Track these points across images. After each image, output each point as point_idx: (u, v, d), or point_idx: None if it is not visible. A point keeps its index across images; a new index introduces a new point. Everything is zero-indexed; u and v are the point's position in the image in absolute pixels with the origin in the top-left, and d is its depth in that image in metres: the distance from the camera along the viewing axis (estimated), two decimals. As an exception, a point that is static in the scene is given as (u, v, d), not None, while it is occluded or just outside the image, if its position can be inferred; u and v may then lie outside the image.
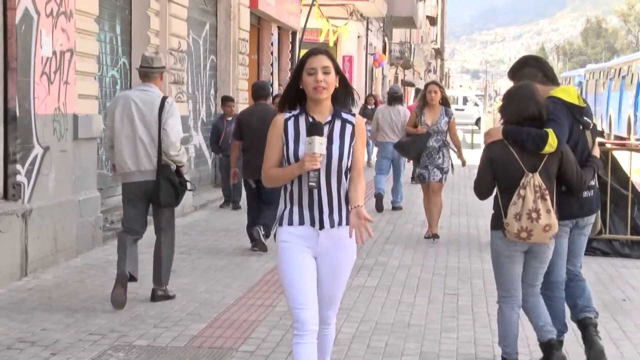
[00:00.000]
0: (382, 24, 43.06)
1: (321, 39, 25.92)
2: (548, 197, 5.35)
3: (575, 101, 5.64)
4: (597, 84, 42.25)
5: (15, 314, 7.09)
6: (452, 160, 11.44)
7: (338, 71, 4.52)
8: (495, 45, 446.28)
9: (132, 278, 7.50)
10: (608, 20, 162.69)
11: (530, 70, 5.80)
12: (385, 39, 44.00)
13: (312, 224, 4.50)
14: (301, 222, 4.50)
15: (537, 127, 5.41)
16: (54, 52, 9.14)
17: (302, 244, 4.50)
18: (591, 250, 10.50)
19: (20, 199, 8.51)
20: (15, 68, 8.36)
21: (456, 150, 11.41)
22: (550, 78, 5.80)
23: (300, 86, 4.51)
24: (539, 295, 5.67)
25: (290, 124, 4.50)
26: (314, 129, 4.39)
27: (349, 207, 4.46)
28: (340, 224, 4.51)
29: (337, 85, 4.52)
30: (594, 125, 5.84)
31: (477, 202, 14.61)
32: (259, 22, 20.29)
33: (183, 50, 13.45)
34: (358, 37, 35.15)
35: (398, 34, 52.36)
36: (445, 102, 11.34)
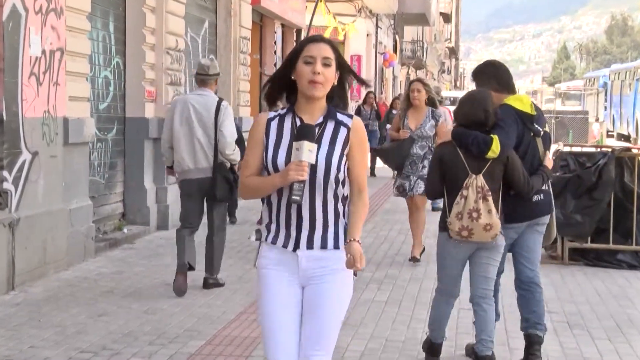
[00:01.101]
0: (392, 22, 43.09)
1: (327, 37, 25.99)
2: (490, 199, 5.90)
3: (527, 109, 6.21)
4: (622, 85, 42.21)
5: (1, 330, 7.10)
6: None
7: (341, 66, 4.01)
8: (513, 43, 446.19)
9: (191, 267, 8.49)
10: (634, 17, 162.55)
11: (486, 76, 6.37)
12: (396, 37, 44.02)
13: (285, 244, 4.00)
14: (280, 242, 4.02)
15: (485, 132, 5.97)
16: (44, 52, 9.17)
17: (283, 271, 4.02)
18: (616, 263, 10.50)
19: (7, 207, 8.53)
20: (2, 68, 8.39)
21: None
22: (504, 86, 6.32)
23: (292, 77, 3.99)
24: (492, 301, 6.15)
25: (274, 125, 4.01)
26: (304, 132, 3.89)
27: (346, 240, 3.96)
28: (324, 246, 3.98)
29: (336, 82, 4.01)
30: (546, 133, 6.34)
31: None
32: (262, 19, 20.32)
33: (180, 50, 13.48)
34: (367, 35, 35.18)
35: (410, 32, 52.38)
36: (432, 102, 10.42)
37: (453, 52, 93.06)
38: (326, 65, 3.94)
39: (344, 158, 3.98)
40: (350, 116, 4.04)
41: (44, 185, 9.21)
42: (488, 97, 6.10)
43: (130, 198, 12.38)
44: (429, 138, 10.33)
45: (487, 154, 5.92)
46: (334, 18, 25.93)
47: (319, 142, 3.94)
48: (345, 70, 4.06)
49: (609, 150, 10.89)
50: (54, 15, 9.37)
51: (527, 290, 6.43)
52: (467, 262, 6.19)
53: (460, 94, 52.97)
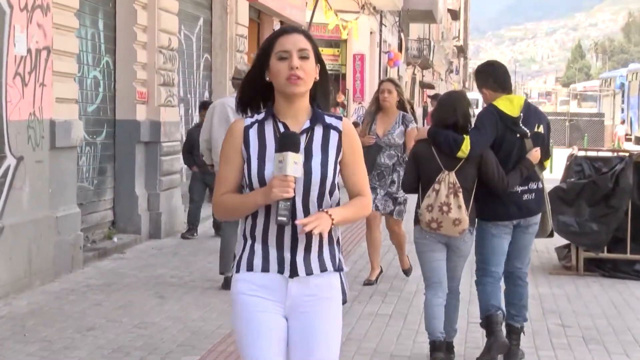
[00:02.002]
0: (397, 19, 43.12)
1: (327, 35, 25.97)
2: (460, 195, 6.47)
3: (510, 112, 6.69)
4: (641, 86, 42.21)
5: (-16, 345, 7.09)
6: None
7: (319, 59, 3.72)
8: (525, 42, 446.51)
9: None
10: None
11: (483, 75, 6.94)
12: (402, 35, 44.05)
13: (281, 269, 3.65)
14: (265, 268, 3.65)
15: (460, 132, 6.55)
16: (29, 51, 9.18)
17: (266, 298, 3.66)
18: (634, 274, 10.50)
19: (-9, 215, 8.53)
20: (-14, 68, 8.39)
21: None
22: (500, 85, 6.83)
23: (266, 78, 3.69)
24: (455, 297, 6.86)
25: (253, 133, 3.68)
26: (287, 141, 3.55)
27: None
28: (322, 270, 3.67)
29: (318, 77, 3.72)
30: (538, 134, 6.80)
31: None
32: (259, 16, 20.35)
33: (174, 48, 13.49)
34: (371, 33, 35.20)
35: (416, 29, 52.41)
36: (402, 105, 9.75)
37: (461, 50, 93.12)
38: (304, 57, 3.63)
39: (338, 167, 3.69)
40: (339, 118, 3.75)
41: (30, 192, 9.21)
42: (459, 99, 6.78)
43: (121, 205, 12.39)
44: (398, 147, 9.63)
45: (457, 154, 6.51)
46: (336, 15, 25.93)
47: (309, 150, 3.63)
48: (323, 65, 3.77)
49: (627, 154, 10.89)
50: (40, 12, 9.38)
51: (512, 285, 6.97)
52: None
53: (469, 96, 52.93)
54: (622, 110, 50.82)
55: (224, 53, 16.65)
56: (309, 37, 3.70)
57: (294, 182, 3.52)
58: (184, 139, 13.86)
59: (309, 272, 3.66)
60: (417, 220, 6.67)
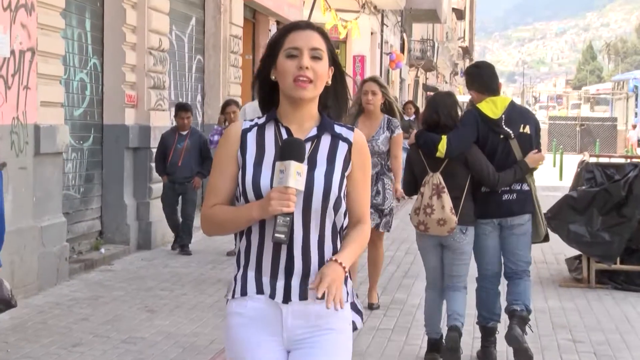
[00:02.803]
0: (400, 18, 43.20)
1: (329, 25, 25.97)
2: (444, 195, 6.96)
3: (491, 113, 7.13)
4: (655, 89, 42.26)
5: (-36, 362, 7.09)
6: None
7: (334, 61, 3.48)
8: (534, 43, 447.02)
9: None
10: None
11: (470, 77, 7.44)
12: (404, 35, 44.11)
13: (273, 294, 3.39)
14: (259, 290, 3.41)
15: (443, 132, 7.06)
16: (12, 52, 9.18)
17: (261, 331, 3.41)
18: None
19: (-28, 225, 8.52)
20: (-33, 70, 8.40)
21: (393, 178, 9.22)
22: (486, 87, 7.28)
23: (272, 77, 3.47)
24: (460, 290, 7.21)
25: (251, 137, 3.45)
26: (290, 149, 3.29)
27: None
28: (322, 296, 3.28)
29: (330, 81, 3.47)
30: (522, 134, 7.20)
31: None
32: (255, 15, 20.37)
33: (164, 50, 13.51)
34: (371, 33, 35.25)
35: (419, 29, 52.48)
36: (389, 109, 9.23)
37: (467, 52, 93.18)
38: (316, 58, 3.38)
39: (345, 181, 3.43)
40: (351, 129, 3.50)
41: (13, 200, 9.21)
42: (443, 99, 7.36)
43: (109, 214, 12.39)
44: (383, 154, 9.11)
45: (436, 154, 7.05)
46: (335, 14, 25.97)
47: (313, 160, 3.38)
48: (340, 67, 3.53)
49: (640, 161, 10.91)
50: (24, 11, 9.39)
51: (509, 280, 7.40)
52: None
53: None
54: (636, 114, 50.85)
55: (217, 54, 16.67)
56: (324, 35, 3.46)
57: (295, 196, 3.26)
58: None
59: (303, 297, 3.36)
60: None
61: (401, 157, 9.20)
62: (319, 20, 25.37)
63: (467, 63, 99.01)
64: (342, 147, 3.45)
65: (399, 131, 9.12)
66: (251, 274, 3.42)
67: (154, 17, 13.05)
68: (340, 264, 3.32)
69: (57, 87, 10.44)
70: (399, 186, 9.03)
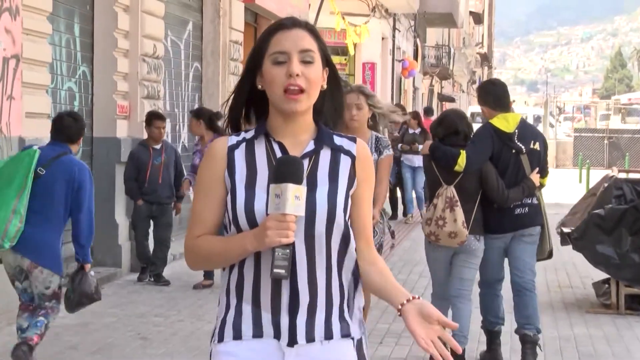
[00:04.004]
0: (413, 23, 43.25)
1: (334, 40, 26.04)
2: (457, 209, 7.59)
3: (505, 128, 7.88)
4: (689, 99, 42.24)
5: (-57, 393, 7.09)
6: (389, 224, 8.46)
7: (327, 62, 3.27)
8: (558, 49, 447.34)
9: None
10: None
11: (483, 93, 8.22)
12: (417, 41, 44.15)
13: (277, 335, 3.17)
14: (257, 333, 3.19)
15: (460, 147, 7.71)
16: (-4, 59, 9.21)
17: None
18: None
19: (-49, 245, 8.52)
20: (-54, 79, 8.42)
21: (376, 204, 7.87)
22: (498, 104, 8.04)
23: (257, 85, 3.26)
24: (467, 299, 7.86)
25: (239, 155, 3.23)
26: (286, 169, 3.06)
27: (398, 306, 3.12)
28: (329, 336, 3.18)
29: (325, 85, 3.27)
30: (534, 151, 8.00)
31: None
32: (256, 19, 20.41)
33: (159, 56, 13.54)
34: (382, 39, 35.28)
35: (433, 35, 52.53)
36: (374, 123, 8.18)
37: (485, 59, 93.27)
38: (307, 62, 3.17)
39: (349, 201, 3.24)
40: (353, 139, 3.31)
41: (-5, 219, 9.20)
42: (458, 113, 8.25)
43: (99, 234, 12.31)
44: None
45: (455, 168, 7.68)
46: (343, 18, 26.00)
47: (312, 179, 3.18)
48: (334, 68, 3.33)
49: (673, 176, 10.90)
50: (9, 15, 9.41)
51: (517, 295, 8.14)
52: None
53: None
54: (668, 126, 50.83)
55: (215, 61, 16.69)
56: (314, 32, 3.24)
57: (295, 224, 3.04)
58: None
59: (310, 338, 3.17)
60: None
61: (387, 182, 8.20)
62: (326, 25, 25.41)
63: (486, 71, 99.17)
64: (345, 162, 3.25)
65: (388, 152, 8.03)
66: (247, 309, 3.20)
67: (147, 21, 13.08)
68: (417, 298, 3.11)
69: (43, 97, 10.46)
70: (377, 213, 7.86)
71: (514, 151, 7.94)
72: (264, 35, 3.24)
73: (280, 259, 3.04)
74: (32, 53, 10.03)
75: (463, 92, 73.57)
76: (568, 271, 12.78)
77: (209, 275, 11.76)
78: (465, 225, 7.61)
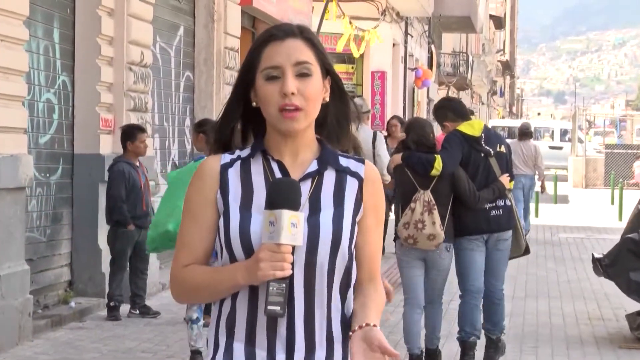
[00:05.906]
0: (427, 27, 43.30)
1: (339, 48, 26.05)
2: (435, 212, 8.56)
3: (472, 133, 8.99)
4: None
5: None
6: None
7: (328, 71, 3.23)
8: (587, 56, 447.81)
9: None
10: None
11: (442, 110, 9.37)
12: (432, 47, 44.21)
13: None
14: None
15: (430, 153, 8.70)
16: (-33, 68, 9.23)
17: None
18: None
19: None
20: None
21: None
22: (459, 115, 9.21)
23: (252, 102, 3.23)
24: (439, 304, 9.07)
25: (234, 174, 3.21)
26: (281, 193, 3.04)
27: (352, 329, 3.14)
28: None
29: (327, 98, 3.24)
30: (500, 153, 9.14)
31: (562, 281, 14.58)
32: (254, 24, 20.43)
33: (147, 65, 13.55)
34: (393, 45, 35.30)
35: (450, 40, 52.59)
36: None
37: (507, 67, 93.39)
38: (303, 75, 3.14)
39: (356, 228, 3.20)
40: (361, 160, 3.27)
41: (-34, 244, 9.23)
42: (424, 122, 9.48)
43: (80, 261, 12.38)
44: None
45: (431, 172, 8.65)
46: (350, 23, 26.00)
47: (315, 202, 3.15)
48: (336, 77, 3.28)
49: None
50: (-18, 20, 9.43)
51: (489, 304, 9.24)
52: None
53: (516, 123, 52.63)
54: None
55: (209, 70, 16.70)
56: (310, 41, 3.20)
57: (291, 256, 3.02)
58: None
59: None
60: (397, 236, 8.81)
61: None
62: (331, 30, 25.43)
63: (508, 80, 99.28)
64: (352, 185, 3.21)
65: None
66: (239, 347, 3.16)
67: (134, 26, 13.10)
68: (373, 325, 3.09)
69: (19, 109, 10.47)
70: None
71: (482, 154, 9.02)
72: (255, 47, 3.21)
73: (274, 294, 3.00)
74: (7, 61, 10.05)
75: (483, 103, 73.58)
76: (599, 301, 12.77)
77: (209, 310, 11.58)
78: (442, 227, 8.59)
